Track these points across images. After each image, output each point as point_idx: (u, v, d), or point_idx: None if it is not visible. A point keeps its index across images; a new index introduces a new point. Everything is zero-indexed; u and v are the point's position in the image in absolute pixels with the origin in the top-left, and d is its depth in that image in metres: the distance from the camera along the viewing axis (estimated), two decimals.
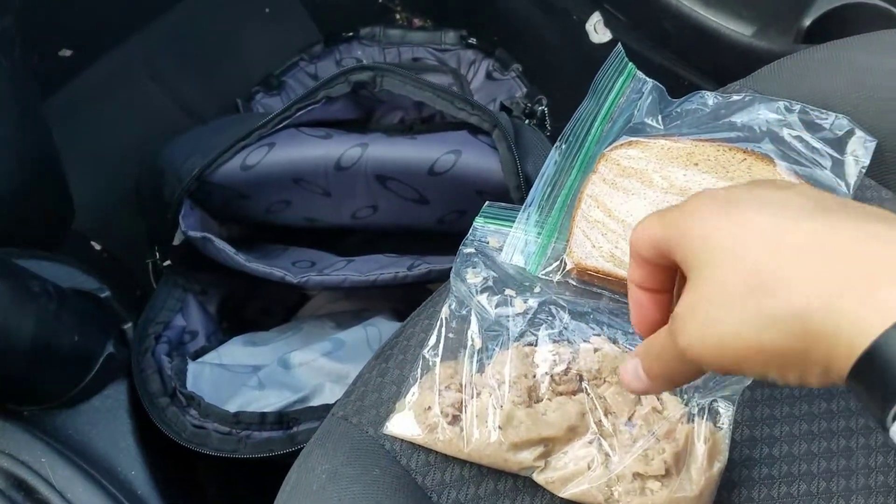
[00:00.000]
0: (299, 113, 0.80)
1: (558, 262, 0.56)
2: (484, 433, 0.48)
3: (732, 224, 0.31)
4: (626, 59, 0.63)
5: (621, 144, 0.60)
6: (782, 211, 0.31)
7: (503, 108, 0.89)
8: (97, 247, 1.10)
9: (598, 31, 1.04)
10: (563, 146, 0.60)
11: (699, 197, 0.34)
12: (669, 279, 0.37)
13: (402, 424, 0.51)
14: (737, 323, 0.30)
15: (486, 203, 0.59)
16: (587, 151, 0.60)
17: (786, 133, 0.60)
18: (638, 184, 0.57)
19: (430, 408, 0.50)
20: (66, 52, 1.16)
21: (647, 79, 0.64)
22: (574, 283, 0.55)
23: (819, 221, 0.30)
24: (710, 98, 0.64)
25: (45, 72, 1.13)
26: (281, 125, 0.79)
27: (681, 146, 0.59)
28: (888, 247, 0.28)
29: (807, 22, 0.82)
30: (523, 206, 0.58)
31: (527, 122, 0.85)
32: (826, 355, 0.28)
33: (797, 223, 0.30)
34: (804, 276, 0.29)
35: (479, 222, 0.58)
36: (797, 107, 0.61)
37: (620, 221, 0.56)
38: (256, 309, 0.96)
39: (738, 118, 0.62)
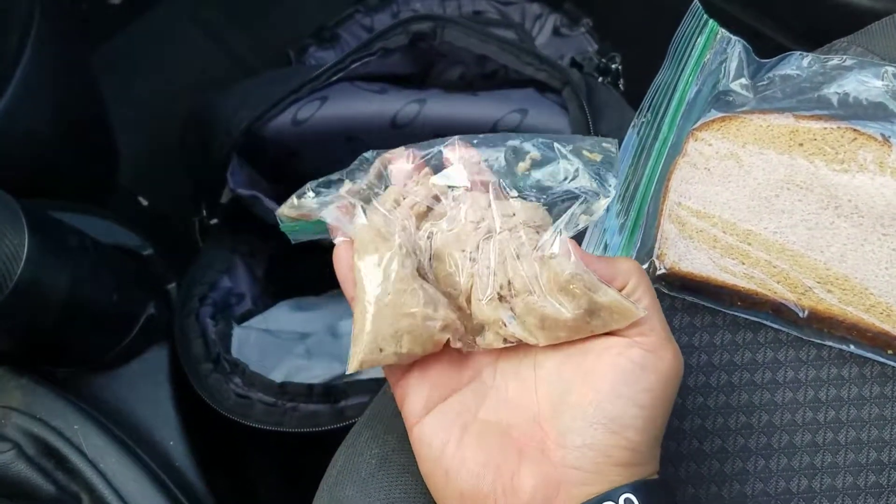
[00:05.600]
0: (354, 65, 0.76)
1: (646, 266, 0.50)
2: None
3: None
4: (705, 14, 0.57)
5: (712, 121, 0.53)
6: None
7: (574, 63, 0.83)
8: (144, 202, 1.08)
9: None
10: (642, 121, 0.53)
11: None
12: None
13: None
14: None
15: None
16: (670, 126, 0.54)
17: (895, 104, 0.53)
18: (735, 169, 0.51)
19: None
20: (115, 0, 1.13)
21: (732, 36, 0.57)
22: (666, 291, 0.49)
23: None
24: (806, 61, 0.57)
25: (95, 20, 1.11)
26: (334, 78, 0.75)
27: (782, 123, 0.52)
28: None
29: None
30: None
31: (600, 79, 0.79)
32: None
33: None
34: None
35: None
36: None
37: (717, 216, 0.50)
38: (304, 272, 0.92)
39: (842, 87, 0.55)
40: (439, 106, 0.74)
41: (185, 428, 0.64)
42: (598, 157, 0.42)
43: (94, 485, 0.55)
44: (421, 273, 0.42)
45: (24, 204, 0.58)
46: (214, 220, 0.82)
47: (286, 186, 0.85)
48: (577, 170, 0.41)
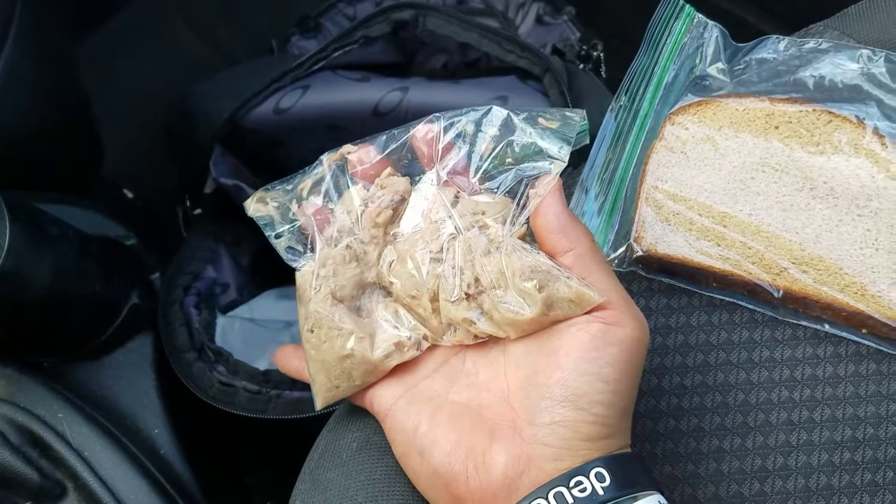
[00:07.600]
0: (336, 54, 0.76)
1: (624, 249, 0.50)
2: None
3: None
4: (681, 0, 0.57)
5: (689, 105, 0.53)
6: None
7: (555, 51, 0.83)
8: (129, 194, 1.08)
9: None
10: (620, 106, 0.54)
11: None
12: None
13: None
14: None
15: None
16: (647, 110, 0.54)
17: (871, 87, 0.54)
18: (711, 152, 0.51)
19: None
20: None
21: (708, 20, 0.58)
22: (643, 274, 0.50)
23: None
24: (782, 44, 0.57)
25: (79, 12, 1.10)
26: (316, 66, 0.75)
27: (758, 107, 0.52)
28: None
29: None
30: (580, 181, 0.52)
31: (581, 66, 0.79)
32: None
33: None
34: None
35: None
36: (881, 55, 0.54)
37: (693, 199, 0.50)
38: None
39: (818, 70, 0.55)
40: (422, 94, 0.74)
41: (169, 416, 0.64)
42: (556, 125, 0.41)
43: (78, 473, 0.55)
44: (380, 281, 0.42)
45: (6, 194, 0.57)
46: (198, 211, 0.82)
47: (269, 176, 0.85)
48: (532, 143, 0.40)
